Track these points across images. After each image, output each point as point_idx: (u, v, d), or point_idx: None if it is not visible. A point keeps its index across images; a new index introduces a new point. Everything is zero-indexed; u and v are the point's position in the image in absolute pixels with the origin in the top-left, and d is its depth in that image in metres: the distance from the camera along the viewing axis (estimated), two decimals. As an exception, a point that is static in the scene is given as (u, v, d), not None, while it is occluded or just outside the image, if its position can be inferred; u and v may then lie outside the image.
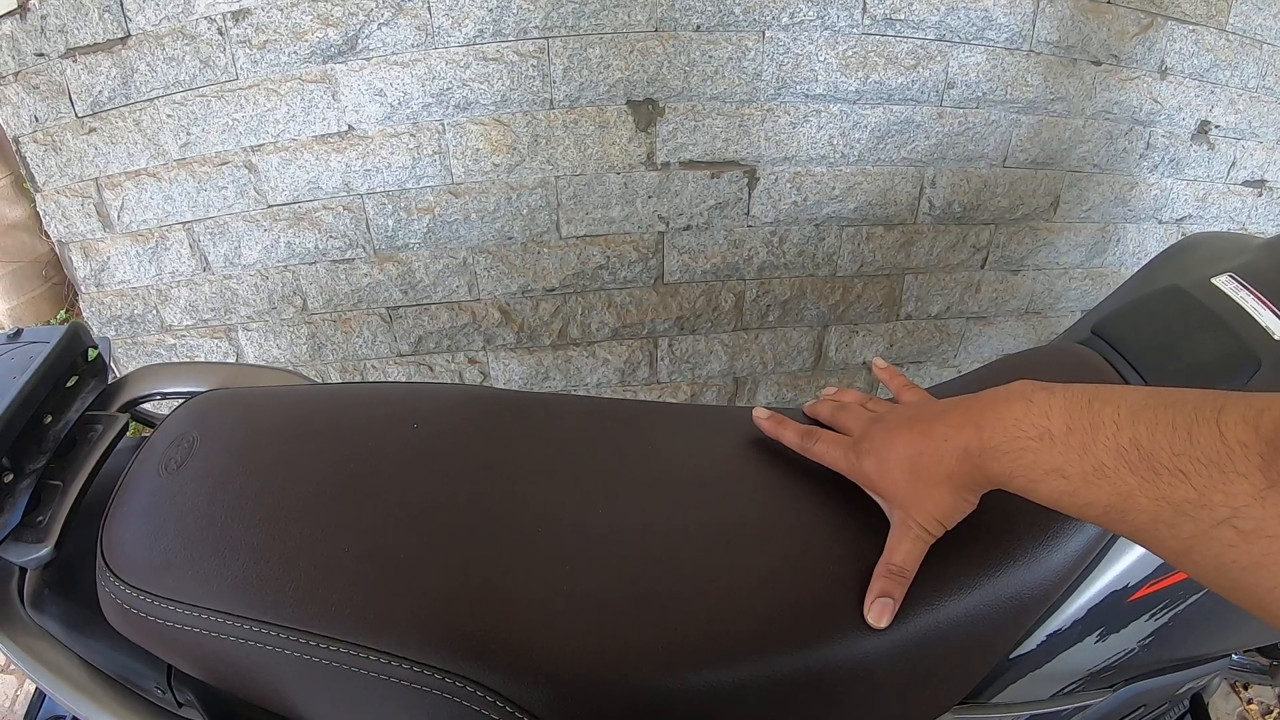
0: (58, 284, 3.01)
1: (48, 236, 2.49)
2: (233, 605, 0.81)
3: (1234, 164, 2.96)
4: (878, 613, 0.86)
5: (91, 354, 1.10)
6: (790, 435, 1.03)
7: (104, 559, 0.87)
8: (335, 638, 0.79)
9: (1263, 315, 1.09)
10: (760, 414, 1.07)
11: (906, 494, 0.87)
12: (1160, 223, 3.00)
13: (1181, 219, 3.02)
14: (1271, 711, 2.42)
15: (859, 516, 0.95)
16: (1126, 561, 1.01)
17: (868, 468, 0.92)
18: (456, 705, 0.78)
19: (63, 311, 3.09)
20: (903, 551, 0.87)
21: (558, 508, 0.94)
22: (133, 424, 1.14)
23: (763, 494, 1.00)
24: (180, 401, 1.10)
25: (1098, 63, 2.54)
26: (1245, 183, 3.03)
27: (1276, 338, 1.05)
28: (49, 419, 1.01)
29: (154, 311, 2.49)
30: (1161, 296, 1.18)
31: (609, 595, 0.85)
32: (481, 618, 0.81)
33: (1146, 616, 1.06)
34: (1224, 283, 1.16)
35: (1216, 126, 2.83)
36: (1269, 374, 1.02)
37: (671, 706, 0.82)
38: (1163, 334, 1.13)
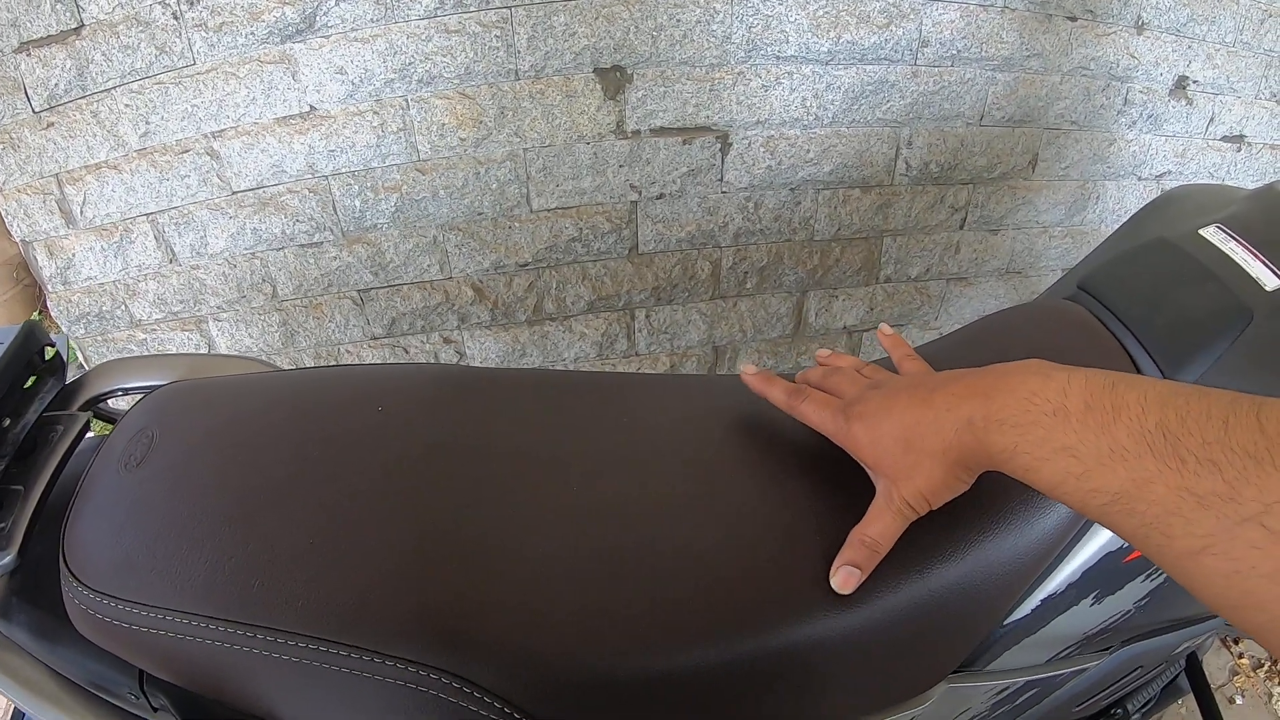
0: (29, 285, 2.97)
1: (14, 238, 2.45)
2: (197, 605, 0.78)
3: (1212, 119, 2.95)
4: (842, 579, 0.84)
5: (49, 352, 1.07)
6: (777, 393, 0.99)
7: (66, 563, 0.84)
8: (304, 634, 0.76)
9: (1252, 266, 1.07)
10: (748, 370, 1.04)
11: (896, 464, 0.84)
12: (1139, 179, 2.99)
13: (1160, 175, 3.01)
14: (1263, 665, 2.44)
15: (847, 484, 0.92)
16: None
17: (857, 432, 0.88)
18: (432, 698, 0.75)
19: (35, 313, 3.05)
20: (880, 525, 0.85)
21: (532, 487, 0.91)
22: (96, 422, 1.11)
23: (746, 464, 0.98)
24: (141, 396, 1.06)
25: (1073, 18, 2.52)
26: (1224, 138, 3.03)
27: (1268, 289, 1.04)
28: (7, 421, 0.97)
29: (122, 307, 2.45)
30: (1148, 250, 1.17)
31: (586, 576, 0.83)
32: (454, 606, 0.78)
33: (1142, 577, 1.05)
34: (1211, 234, 1.14)
35: (1194, 82, 2.82)
36: (1262, 326, 1.01)
37: (655, 686, 0.80)
38: (1151, 287, 1.11)
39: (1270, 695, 2.39)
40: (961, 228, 2.85)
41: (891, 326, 2.36)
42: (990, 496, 0.92)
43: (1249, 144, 3.09)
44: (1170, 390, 0.63)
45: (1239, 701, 2.37)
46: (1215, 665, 2.45)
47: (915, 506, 0.84)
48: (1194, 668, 1.52)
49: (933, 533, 0.88)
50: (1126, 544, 1.00)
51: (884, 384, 0.91)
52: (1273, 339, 1.00)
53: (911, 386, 0.86)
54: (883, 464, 0.85)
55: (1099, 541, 0.99)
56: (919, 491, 0.83)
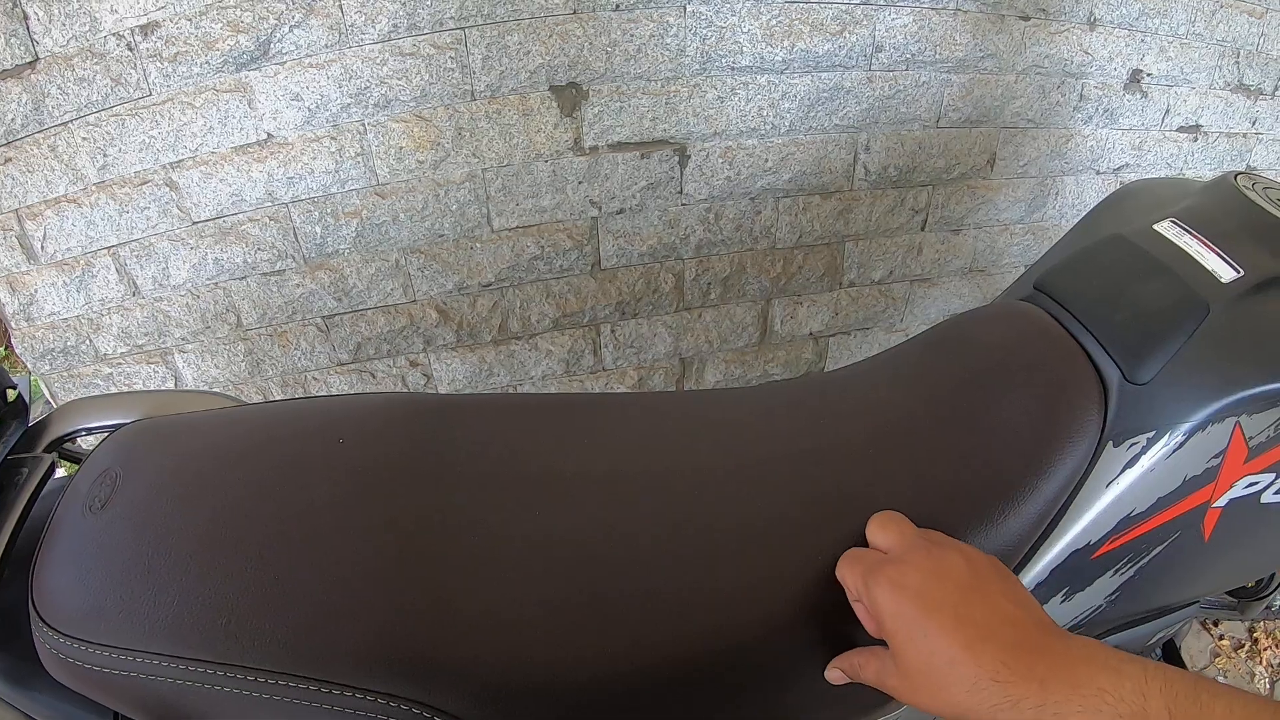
0: (-8, 325, 2.97)
1: (-24, 280, 2.43)
2: (166, 646, 0.79)
3: (1168, 111, 2.97)
4: (835, 677, 0.86)
5: (11, 395, 1.06)
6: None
7: (35, 608, 0.84)
8: (273, 670, 0.76)
9: (1208, 259, 1.09)
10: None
11: (910, 668, 0.76)
12: (1098, 173, 3.01)
13: (1119, 168, 3.03)
14: (1244, 645, 2.46)
15: (818, 498, 0.94)
16: (1086, 519, 1.01)
17: (880, 599, 0.79)
18: None
19: (1, 348, 3.04)
20: (871, 676, 0.82)
21: (495, 513, 0.91)
22: (63, 462, 1.10)
23: (715, 480, 0.99)
24: (105, 436, 1.06)
25: (1026, 17, 2.53)
26: (1180, 129, 3.05)
27: (1224, 281, 1.05)
28: (-30, 468, 0.97)
29: (87, 342, 2.43)
30: (1103, 247, 1.18)
31: (554, 602, 0.84)
32: (422, 636, 0.79)
33: (1111, 572, 1.05)
34: (1166, 228, 1.16)
35: (1149, 75, 2.84)
36: (1219, 318, 1.02)
37: (624, 706, 0.81)
38: (1107, 284, 1.13)
39: (1252, 675, 2.42)
40: (923, 229, 2.86)
41: (842, 330, 2.37)
42: (954, 502, 0.93)
43: (1205, 133, 3.11)
44: (1258, 706, 0.60)
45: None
46: (1196, 648, 2.47)
47: (903, 696, 0.78)
48: (1171, 656, 1.53)
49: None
50: (1095, 540, 1.01)
51: (935, 549, 0.82)
52: (1230, 331, 1.01)
53: (963, 593, 0.76)
54: (899, 656, 0.77)
55: (1066, 539, 1.00)
56: (919, 702, 0.76)
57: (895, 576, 0.78)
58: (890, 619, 0.77)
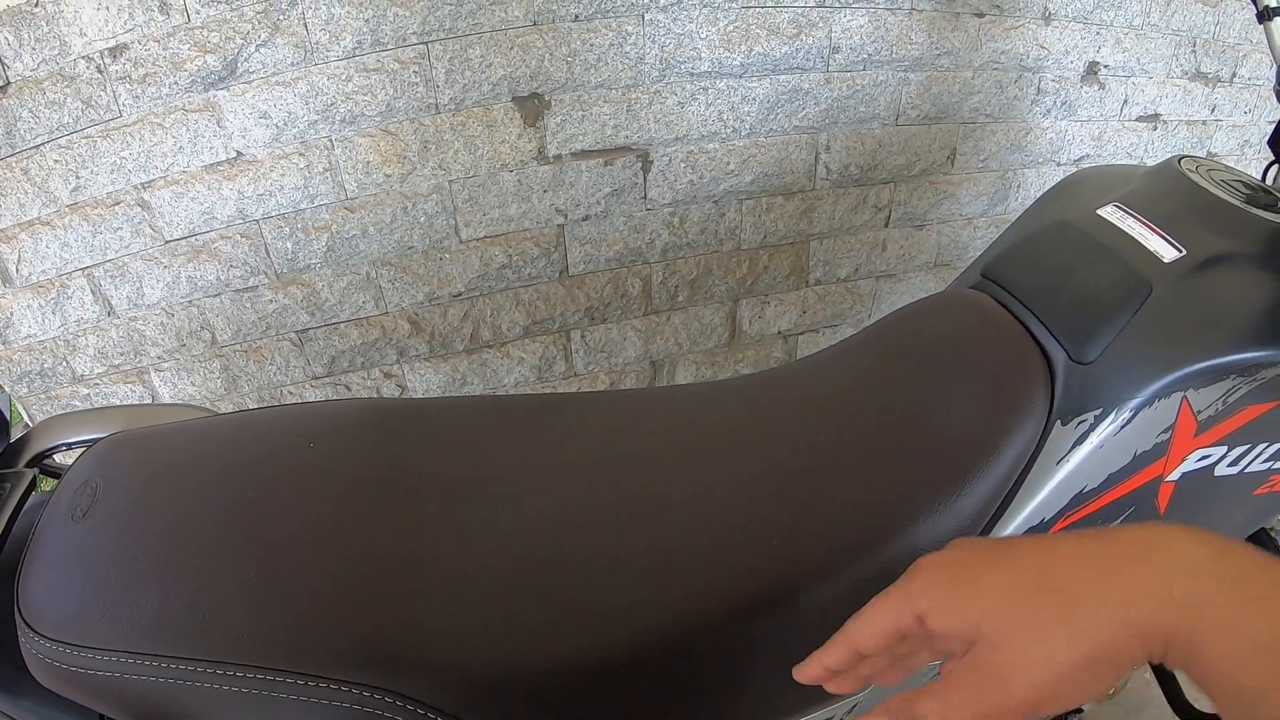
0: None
1: (-49, 303, 2.44)
2: (147, 645, 0.81)
3: (1126, 101, 3.00)
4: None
5: (-10, 412, 1.09)
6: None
7: (21, 615, 0.86)
8: (247, 664, 0.79)
9: (1151, 240, 1.12)
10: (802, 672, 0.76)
11: (1004, 631, 0.59)
12: (1058, 165, 3.04)
13: (1079, 159, 3.07)
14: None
15: (778, 490, 0.97)
16: (1039, 497, 1.04)
17: (925, 596, 0.65)
18: (376, 717, 0.78)
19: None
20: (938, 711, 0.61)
21: (460, 509, 0.94)
22: (43, 478, 1.12)
23: (671, 473, 1.01)
24: (84, 450, 1.08)
25: (980, 14, 2.56)
26: (1139, 118, 3.09)
27: (1166, 261, 1.08)
28: (-47, 484, 0.99)
29: (64, 363, 2.44)
30: (1048, 233, 1.21)
31: (513, 589, 0.86)
32: (390, 628, 0.81)
33: None
34: (1110, 213, 1.19)
35: (1105, 66, 2.88)
36: (1162, 297, 1.05)
37: (588, 691, 0.84)
38: (1052, 270, 1.16)
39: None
40: (886, 226, 2.88)
41: (810, 328, 2.38)
42: (903, 485, 0.96)
43: (1164, 122, 3.15)
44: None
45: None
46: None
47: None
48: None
49: (850, 530, 0.93)
50: (1049, 517, 1.04)
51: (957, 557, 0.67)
52: (1173, 308, 1.04)
53: (1002, 552, 0.64)
54: (978, 627, 0.60)
55: (1020, 517, 1.04)
56: (1031, 683, 0.57)
57: (919, 572, 0.67)
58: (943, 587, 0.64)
